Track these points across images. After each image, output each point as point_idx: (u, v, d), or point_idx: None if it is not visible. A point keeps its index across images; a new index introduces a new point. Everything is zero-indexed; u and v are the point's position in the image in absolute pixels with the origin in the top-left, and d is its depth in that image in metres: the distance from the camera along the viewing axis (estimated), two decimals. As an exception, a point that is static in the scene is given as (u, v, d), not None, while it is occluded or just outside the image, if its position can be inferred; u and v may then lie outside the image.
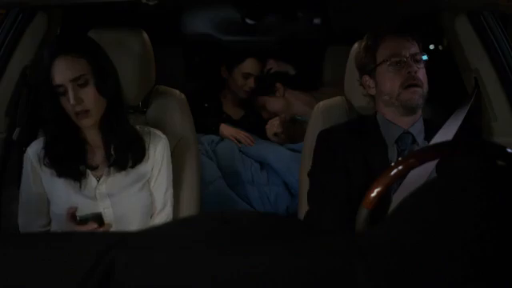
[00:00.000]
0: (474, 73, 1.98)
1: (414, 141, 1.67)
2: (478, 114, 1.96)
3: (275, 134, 2.82)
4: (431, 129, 1.69)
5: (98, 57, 1.66)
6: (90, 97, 1.61)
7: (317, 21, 3.22)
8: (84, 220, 1.56)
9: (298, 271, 0.51)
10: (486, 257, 0.49)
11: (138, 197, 1.73)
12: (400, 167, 1.19)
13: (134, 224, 1.72)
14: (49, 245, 0.57)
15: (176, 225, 0.65)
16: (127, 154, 1.71)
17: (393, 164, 1.22)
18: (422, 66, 1.66)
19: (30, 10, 1.97)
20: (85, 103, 1.61)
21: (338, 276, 0.50)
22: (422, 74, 1.65)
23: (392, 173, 1.20)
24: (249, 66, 2.90)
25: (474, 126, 1.85)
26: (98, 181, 1.70)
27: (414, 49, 1.67)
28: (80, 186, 1.68)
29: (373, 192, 1.23)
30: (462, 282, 0.49)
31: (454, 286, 0.49)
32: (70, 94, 1.59)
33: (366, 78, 1.74)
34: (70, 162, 1.67)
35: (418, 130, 1.68)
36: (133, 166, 1.72)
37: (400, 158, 1.21)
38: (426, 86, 1.66)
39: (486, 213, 0.54)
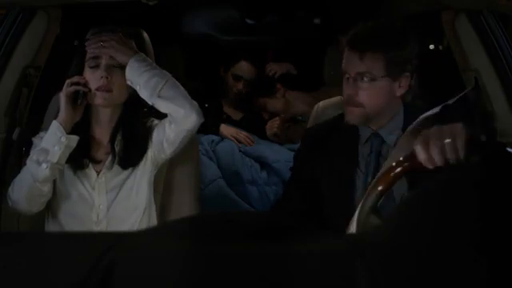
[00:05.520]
0: (474, 73, 1.98)
1: (384, 141, 1.64)
2: (478, 114, 1.96)
3: (275, 134, 2.82)
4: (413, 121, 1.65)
5: (140, 49, 1.74)
6: (118, 78, 1.66)
7: (317, 21, 3.22)
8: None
9: (298, 271, 0.51)
10: (486, 257, 0.49)
11: (135, 196, 1.73)
12: (399, 169, 1.19)
13: (126, 224, 1.73)
14: (49, 245, 0.57)
15: (176, 225, 0.65)
16: (131, 151, 1.72)
17: (394, 164, 1.21)
18: (371, 85, 1.56)
19: (30, 10, 1.97)
20: (111, 80, 1.65)
21: (338, 276, 0.50)
22: (364, 95, 1.57)
23: (392, 173, 1.20)
24: (240, 68, 2.90)
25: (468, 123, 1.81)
26: (98, 175, 1.71)
27: (362, 66, 1.56)
28: (79, 178, 1.70)
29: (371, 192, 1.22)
30: (463, 282, 0.49)
31: (454, 285, 0.49)
32: (103, 65, 1.65)
33: None
34: (75, 154, 1.67)
35: (389, 131, 1.63)
36: (134, 165, 1.72)
37: (401, 158, 1.20)
38: (370, 106, 1.58)
39: (485, 213, 0.54)
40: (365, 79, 1.57)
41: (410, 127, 1.53)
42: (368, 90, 1.57)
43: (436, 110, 1.54)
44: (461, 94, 1.65)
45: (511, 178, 0.59)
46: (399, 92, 1.61)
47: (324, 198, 1.67)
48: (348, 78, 1.60)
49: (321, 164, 1.69)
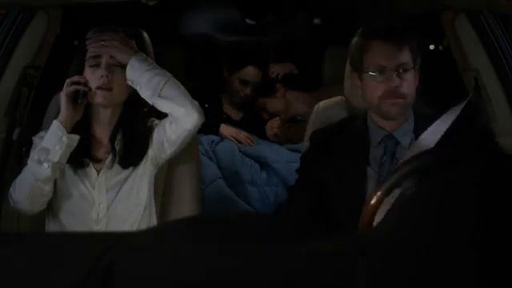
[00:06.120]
0: (474, 73, 1.98)
1: (398, 142, 1.66)
2: (478, 114, 1.96)
3: (275, 135, 2.82)
4: (425, 124, 1.66)
5: (140, 49, 1.73)
6: (119, 77, 1.66)
7: (317, 21, 3.23)
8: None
9: (298, 272, 0.51)
10: (486, 257, 0.49)
11: (135, 196, 1.73)
12: (406, 168, 1.18)
13: (126, 223, 1.73)
14: (49, 245, 0.57)
15: (176, 225, 0.65)
16: (131, 151, 1.72)
17: (401, 163, 1.21)
18: (408, 76, 1.60)
19: (30, 10, 1.97)
20: (112, 80, 1.65)
21: (338, 276, 0.50)
22: (406, 86, 1.60)
23: (399, 174, 1.19)
24: (247, 73, 2.88)
25: (472, 125, 1.82)
26: (98, 173, 1.71)
27: (402, 58, 1.60)
28: (80, 177, 1.70)
29: (378, 192, 1.22)
30: (462, 282, 0.49)
31: (453, 284, 0.49)
32: (103, 65, 1.65)
33: (355, 75, 1.71)
34: (75, 153, 1.67)
35: (403, 132, 1.66)
36: (134, 164, 1.72)
37: (409, 158, 1.21)
38: (410, 96, 1.62)
39: (485, 213, 0.54)
40: (403, 71, 1.60)
41: (425, 134, 1.56)
42: (408, 81, 1.61)
43: (445, 118, 1.57)
44: (467, 99, 1.66)
45: (511, 178, 0.59)
46: (416, 84, 1.67)
47: (331, 200, 1.67)
48: (384, 72, 1.60)
49: (326, 166, 1.69)
